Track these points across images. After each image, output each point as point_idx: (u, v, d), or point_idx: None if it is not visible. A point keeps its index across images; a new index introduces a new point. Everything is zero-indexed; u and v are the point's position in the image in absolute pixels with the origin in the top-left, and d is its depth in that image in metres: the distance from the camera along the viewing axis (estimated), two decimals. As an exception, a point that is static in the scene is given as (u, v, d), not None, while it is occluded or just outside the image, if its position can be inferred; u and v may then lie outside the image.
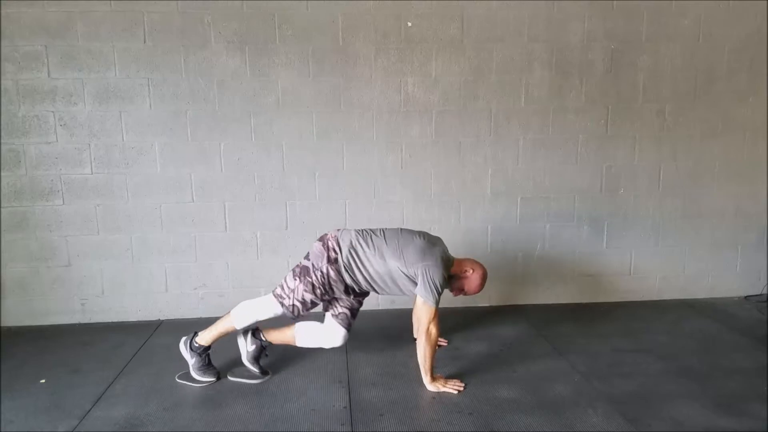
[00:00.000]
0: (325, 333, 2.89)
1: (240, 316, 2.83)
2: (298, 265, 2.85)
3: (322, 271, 2.77)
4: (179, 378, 2.86)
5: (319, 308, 2.94)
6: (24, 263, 3.60)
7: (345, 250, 2.79)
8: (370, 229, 2.91)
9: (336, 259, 2.78)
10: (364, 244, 2.81)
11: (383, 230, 2.90)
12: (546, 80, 3.76)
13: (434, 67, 3.67)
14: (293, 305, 2.78)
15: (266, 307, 2.82)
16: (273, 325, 2.91)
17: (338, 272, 2.78)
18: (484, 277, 2.93)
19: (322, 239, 2.87)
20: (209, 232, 3.71)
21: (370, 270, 2.79)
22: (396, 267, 2.75)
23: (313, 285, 2.77)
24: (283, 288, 2.81)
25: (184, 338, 2.91)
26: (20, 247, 3.58)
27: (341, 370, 2.99)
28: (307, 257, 2.86)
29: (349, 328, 2.90)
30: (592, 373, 2.93)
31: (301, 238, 3.75)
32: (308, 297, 2.78)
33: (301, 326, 2.91)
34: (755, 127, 3.96)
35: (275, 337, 2.92)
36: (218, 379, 2.86)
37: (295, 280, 2.79)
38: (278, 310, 2.81)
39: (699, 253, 4.10)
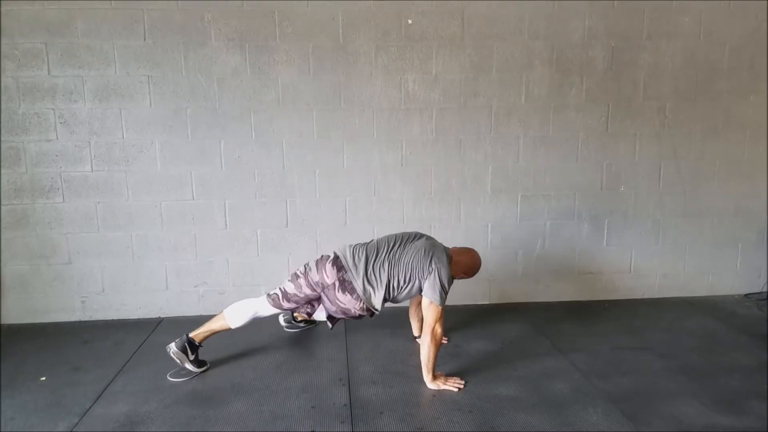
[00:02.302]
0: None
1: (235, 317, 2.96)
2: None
3: (325, 280, 2.83)
4: (171, 377, 2.87)
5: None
6: (24, 261, 3.61)
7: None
8: (375, 264, 2.81)
9: (353, 289, 2.82)
10: (392, 294, 2.82)
11: (386, 259, 2.81)
12: (546, 78, 3.75)
13: (435, 64, 3.66)
14: (275, 293, 2.92)
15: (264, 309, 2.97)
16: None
17: (344, 291, 2.82)
18: (479, 266, 3.05)
19: (346, 313, 2.86)
20: (209, 229, 3.71)
21: (401, 298, 2.87)
22: (412, 284, 2.79)
23: (296, 275, 2.89)
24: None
25: (173, 344, 2.88)
26: (20, 244, 3.58)
27: (341, 367, 3.00)
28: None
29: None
30: (592, 371, 2.93)
31: (301, 235, 3.75)
32: (289, 288, 2.89)
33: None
34: (756, 125, 3.96)
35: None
36: (208, 364, 2.99)
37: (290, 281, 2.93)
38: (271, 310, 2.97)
39: (699, 251, 4.10)
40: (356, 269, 2.80)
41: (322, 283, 2.84)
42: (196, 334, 2.92)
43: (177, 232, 3.68)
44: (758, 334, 3.43)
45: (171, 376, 2.87)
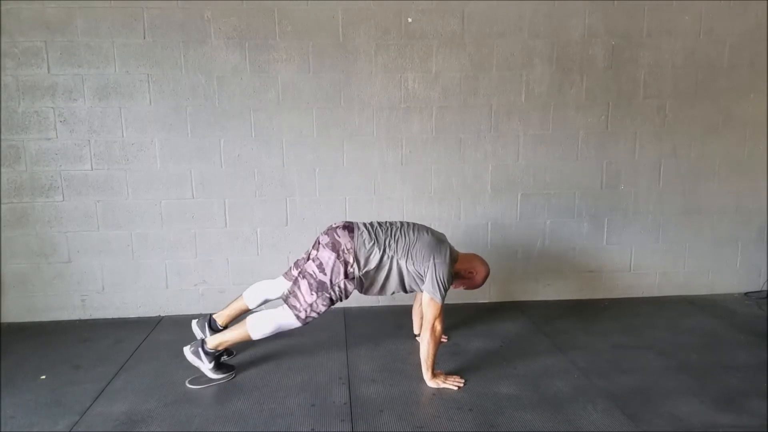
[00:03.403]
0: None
1: (258, 328, 2.77)
2: (312, 276, 2.74)
3: (340, 287, 2.74)
4: (190, 383, 2.78)
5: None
6: (24, 259, 3.61)
7: (362, 266, 2.73)
8: (379, 227, 2.82)
9: (353, 274, 2.74)
10: (379, 257, 2.73)
11: (391, 228, 2.83)
12: (546, 76, 3.75)
13: (434, 62, 3.66)
14: (308, 317, 2.75)
15: (285, 319, 2.76)
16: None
17: (353, 283, 2.77)
18: (486, 277, 3.00)
19: (335, 248, 2.73)
20: (209, 228, 3.71)
21: (383, 282, 2.81)
22: (406, 268, 2.77)
23: (331, 299, 2.75)
24: (298, 300, 2.74)
25: (189, 347, 2.82)
26: (20, 243, 3.58)
27: (341, 366, 3.00)
28: (320, 267, 2.73)
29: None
30: (591, 370, 2.94)
31: (301, 234, 3.75)
32: (323, 309, 2.76)
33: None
34: (756, 124, 3.95)
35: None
36: (234, 370, 2.89)
37: (313, 294, 2.73)
38: (294, 322, 2.76)
39: (699, 250, 4.10)
40: (363, 225, 2.83)
41: (333, 243, 2.76)
42: (214, 344, 2.81)
43: (177, 231, 3.68)
44: (758, 332, 3.44)
45: (190, 383, 2.79)
